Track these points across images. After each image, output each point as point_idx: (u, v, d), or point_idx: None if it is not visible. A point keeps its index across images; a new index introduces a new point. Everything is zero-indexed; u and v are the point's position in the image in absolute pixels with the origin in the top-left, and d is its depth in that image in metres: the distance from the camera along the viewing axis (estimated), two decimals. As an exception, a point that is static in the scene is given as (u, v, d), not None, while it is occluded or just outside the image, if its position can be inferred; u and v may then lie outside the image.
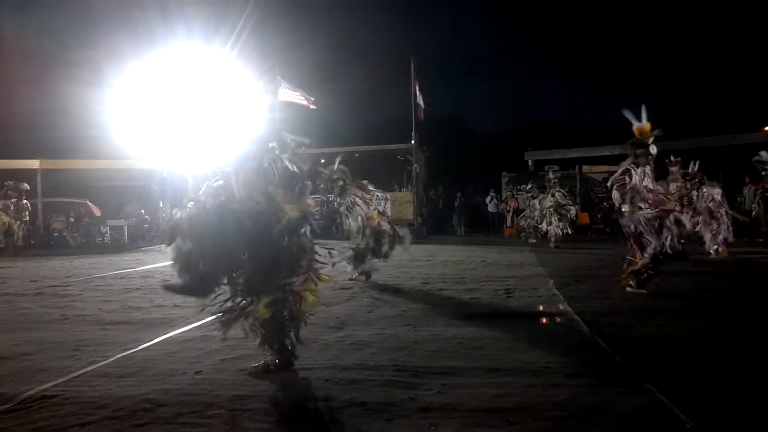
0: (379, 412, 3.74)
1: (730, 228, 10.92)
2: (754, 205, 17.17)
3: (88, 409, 3.86)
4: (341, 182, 9.61)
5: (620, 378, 4.33)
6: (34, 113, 24.87)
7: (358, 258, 9.70)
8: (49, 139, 24.13)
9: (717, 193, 10.65)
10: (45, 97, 24.27)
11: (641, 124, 8.01)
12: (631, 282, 8.07)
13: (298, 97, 24.04)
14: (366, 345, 5.45)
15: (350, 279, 9.66)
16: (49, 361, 5.05)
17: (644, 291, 7.93)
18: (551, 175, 17.84)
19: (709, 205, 10.49)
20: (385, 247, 9.87)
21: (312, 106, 24.01)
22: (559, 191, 17.31)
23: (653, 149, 8.00)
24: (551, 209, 16.94)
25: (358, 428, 3.51)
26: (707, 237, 10.51)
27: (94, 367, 4.87)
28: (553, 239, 16.70)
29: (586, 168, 25.52)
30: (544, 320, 6.60)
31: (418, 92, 24.37)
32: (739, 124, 24.03)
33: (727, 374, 4.44)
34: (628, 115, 8.03)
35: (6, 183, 18.09)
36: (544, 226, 17.17)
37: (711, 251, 10.60)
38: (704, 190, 10.72)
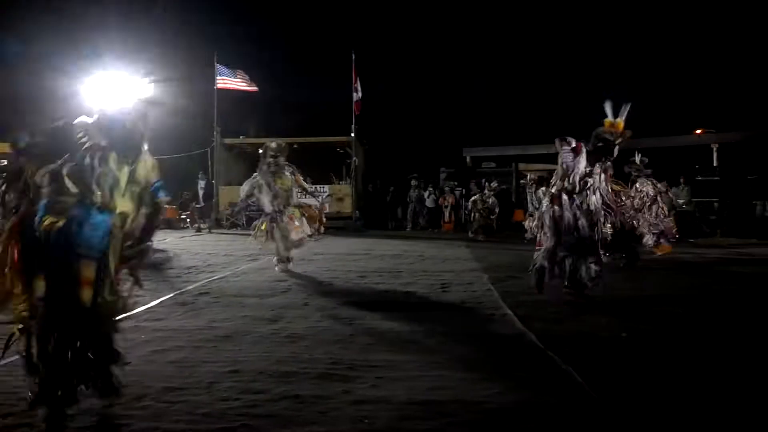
0: (312, 404, 3.74)
1: (671, 224, 11.36)
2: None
3: (11, 400, 3.74)
4: (269, 159, 9.78)
5: (549, 371, 4.44)
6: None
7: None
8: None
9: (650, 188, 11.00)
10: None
11: (613, 120, 7.22)
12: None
13: (238, 83, 23.70)
14: (301, 338, 5.42)
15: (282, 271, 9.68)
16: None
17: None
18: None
19: (644, 200, 10.83)
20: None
21: (252, 89, 23.72)
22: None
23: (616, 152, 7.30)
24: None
25: (290, 420, 3.49)
26: (645, 233, 10.86)
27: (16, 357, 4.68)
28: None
29: (522, 166, 25.93)
30: (478, 315, 6.70)
31: (358, 86, 24.37)
32: (671, 126, 24.77)
33: (647, 366, 4.60)
34: (608, 107, 7.26)
35: None
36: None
37: (650, 247, 11.01)
38: (637, 185, 11.06)
